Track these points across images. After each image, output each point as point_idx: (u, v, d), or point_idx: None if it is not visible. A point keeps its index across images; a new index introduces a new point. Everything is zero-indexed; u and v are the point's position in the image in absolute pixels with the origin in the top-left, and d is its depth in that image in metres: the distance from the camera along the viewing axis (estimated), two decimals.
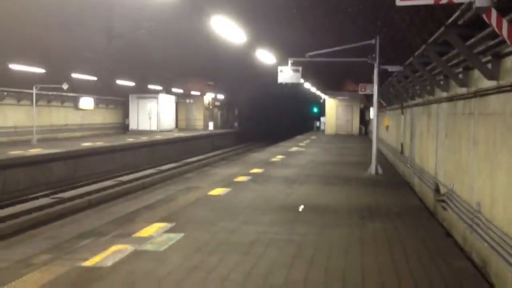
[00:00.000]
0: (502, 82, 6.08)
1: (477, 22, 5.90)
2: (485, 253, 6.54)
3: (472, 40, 6.38)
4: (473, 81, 7.65)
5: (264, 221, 9.01)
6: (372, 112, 18.19)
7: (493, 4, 4.73)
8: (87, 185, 21.34)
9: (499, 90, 6.07)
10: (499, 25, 4.79)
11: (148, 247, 7.23)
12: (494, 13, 4.80)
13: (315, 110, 66.90)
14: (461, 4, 5.49)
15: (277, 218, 9.32)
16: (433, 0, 5.07)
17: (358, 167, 17.58)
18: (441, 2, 5.06)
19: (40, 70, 24.28)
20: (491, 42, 6.12)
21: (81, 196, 18.90)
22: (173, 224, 8.67)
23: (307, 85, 40.06)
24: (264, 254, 6.96)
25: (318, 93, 48.36)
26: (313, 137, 40.30)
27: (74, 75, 27.82)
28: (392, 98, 20.21)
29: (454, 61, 8.17)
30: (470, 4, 4.95)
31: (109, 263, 6.44)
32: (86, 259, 6.58)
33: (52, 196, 18.60)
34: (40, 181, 20.36)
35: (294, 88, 42.40)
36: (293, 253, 7.05)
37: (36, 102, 26.02)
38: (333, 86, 41.74)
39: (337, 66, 27.74)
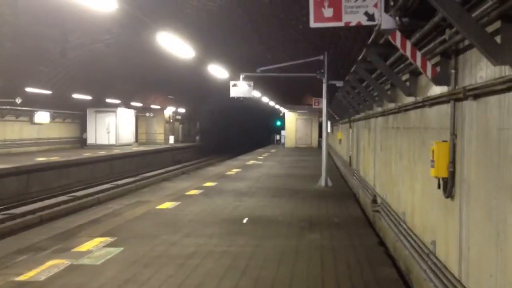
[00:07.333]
0: (419, 99, 6.48)
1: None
2: (409, 260, 6.90)
3: (391, 59, 6.78)
4: (398, 97, 8.07)
5: (206, 234, 9.19)
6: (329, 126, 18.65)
7: (398, 27, 5.10)
8: (40, 201, 21.02)
9: (415, 106, 6.47)
10: (403, 46, 5.16)
11: (85, 261, 7.32)
12: (398, 35, 5.18)
13: (278, 123, 67.42)
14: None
15: (220, 230, 9.51)
16: (343, 22, 5.43)
17: (310, 180, 17.93)
18: (350, 25, 5.42)
19: None
20: (408, 61, 6.52)
21: (32, 212, 18.61)
22: (115, 238, 8.75)
23: (266, 99, 40.44)
24: (199, 266, 7.14)
25: (278, 107, 48.90)
26: (273, 151, 40.70)
27: (29, 89, 27.39)
28: (342, 112, 20.76)
29: (384, 78, 8.59)
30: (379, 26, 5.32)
31: (43, 277, 6.52)
32: (20, 274, 6.65)
33: (3, 213, 18.26)
34: None
35: (255, 101, 42.76)
36: (228, 264, 7.25)
37: None
38: (293, 100, 42.31)
39: (296, 80, 28.20)
